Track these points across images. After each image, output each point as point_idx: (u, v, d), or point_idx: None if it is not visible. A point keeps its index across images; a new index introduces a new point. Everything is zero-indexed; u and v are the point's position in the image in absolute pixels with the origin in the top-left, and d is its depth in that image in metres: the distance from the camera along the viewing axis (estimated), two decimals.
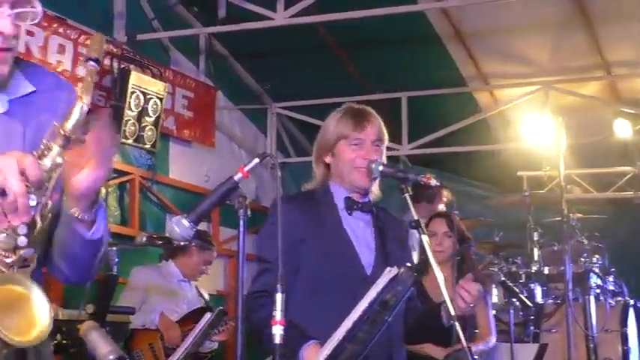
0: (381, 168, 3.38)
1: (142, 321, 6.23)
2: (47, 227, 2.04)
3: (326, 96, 8.04)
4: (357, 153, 3.43)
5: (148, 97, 7.57)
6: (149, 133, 7.66)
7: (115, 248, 5.00)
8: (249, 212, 2.63)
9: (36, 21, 2.01)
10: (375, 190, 3.53)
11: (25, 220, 1.82)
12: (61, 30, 7.01)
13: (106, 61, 7.38)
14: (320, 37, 8.69)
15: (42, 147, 1.87)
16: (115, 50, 7.56)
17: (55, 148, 1.86)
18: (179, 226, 2.66)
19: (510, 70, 9.22)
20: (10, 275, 1.82)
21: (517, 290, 6.35)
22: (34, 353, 2.00)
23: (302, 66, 8.99)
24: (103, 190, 2.09)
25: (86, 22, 7.38)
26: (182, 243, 6.33)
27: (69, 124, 1.87)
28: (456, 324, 3.13)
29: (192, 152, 8.83)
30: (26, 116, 2.06)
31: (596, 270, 6.90)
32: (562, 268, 6.18)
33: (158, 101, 7.68)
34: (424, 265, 5.09)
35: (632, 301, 6.93)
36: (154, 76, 7.76)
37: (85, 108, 1.89)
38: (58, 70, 6.80)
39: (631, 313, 6.81)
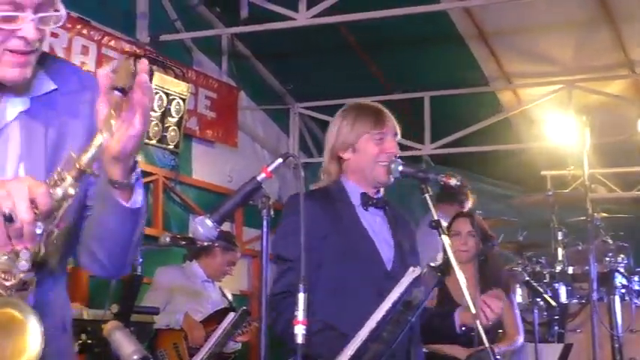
0: (400, 168, 3.38)
1: (166, 321, 6.26)
2: (71, 227, 2.03)
3: (348, 96, 7.96)
4: (380, 147, 3.44)
5: (171, 97, 7.60)
6: (172, 133, 7.69)
7: (139, 248, 5.02)
8: (272, 212, 2.63)
9: (60, 24, 1.99)
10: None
11: (30, 247, 1.79)
12: (84, 31, 7.05)
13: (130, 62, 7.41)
14: (342, 37, 8.68)
15: (55, 176, 1.83)
16: (137, 51, 7.58)
17: (69, 179, 1.81)
18: (203, 227, 2.67)
19: (533, 69, 9.17)
20: (8, 299, 1.79)
21: (541, 290, 6.33)
22: None
23: (324, 66, 8.99)
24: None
25: (109, 23, 7.42)
26: (206, 243, 6.35)
27: (85, 158, 1.81)
28: (479, 324, 3.12)
29: (215, 153, 8.85)
30: (48, 116, 2.05)
31: (621, 270, 6.85)
32: (587, 267, 6.15)
33: (181, 102, 7.70)
34: (447, 266, 5.08)
35: None
36: (176, 76, 7.79)
37: (105, 143, 1.83)
38: None
39: None
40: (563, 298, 6.77)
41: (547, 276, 6.84)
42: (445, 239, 3.25)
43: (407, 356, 3.32)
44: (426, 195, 3.30)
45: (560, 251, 6.98)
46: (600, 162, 9.05)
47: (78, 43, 6.98)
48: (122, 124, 1.89)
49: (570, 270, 6.88)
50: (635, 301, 6.81)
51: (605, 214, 7.45)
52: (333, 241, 3.34)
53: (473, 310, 3.14)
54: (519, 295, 6.37)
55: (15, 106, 2.02)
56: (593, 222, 6.29)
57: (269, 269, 2.58)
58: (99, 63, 7.08)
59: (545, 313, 6.63)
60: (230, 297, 7.02)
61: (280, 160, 2.72)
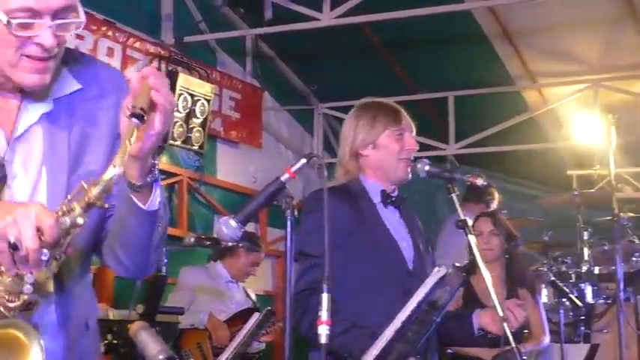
0: (427, 168, 3.37)
1: (191, 321, 6.28)
2: (93, 228, 2.03)
3: (372, 96, 7.98)
4: (400, 144, 3.44)
5: (196, 98, 7.63)
6: (197, 134, 7.72)
7: (163, 249, 5.03)
8: (296, 213, 2.63)
9: (79, 30, 1.97)
10: None
11: (35, 272, 1.78)
12: (109, 33, 7.10)
13: (154, 64, 7.46)
14: (366, 37, 8.67)
15: (64, 206, 1.80)
16: (162, 52, 7.62)
17: (78, 210, 1.78)
18: (227, 227, 2.67)
19: (558, 68, 9.12)
20: (12, 321, 1.79)
21: (567, 290, 6.29)
22: None
23: (348, 66, 8.98)
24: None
25: (135, 25, 7.47)
26: (230, 244, 6.37)
27: (95, 190, 1.78)
28: (505, 325, 3.11)
29: (239, 153, 8.87)
30: (72, 117, 2.03)
31: None
32: (613, 267, 6.11)
33: (205, 103, 7.73)
34: (473, 265, 5.06)
35: None
36: (201, 77, 7.82)
37: (116, 178, 1.78)
38: None
39: None
40: (589, 299, 6.72)
41: (573, 276, 6.80)
42: (471, 238, 3.24)
43: (424, 357, 3.31)
44: (453, 195, 3.29)
45: (586, 251, 6.93)
46: (626, 161, 8.98)
47: (103, 44, 7.03)
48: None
49: (596, 270, 6.84)
50: None
51: (631, 214, 7.39)
52: (357, 238, 3.32)
53: (500, 311, 3.13)
54: (545, 296, 6.34)
55: (37, 109, 2.01)
56: (620, 222, 6.24)
57: (293, 269, 2.58)
58: (124, 64, 7.13)
59: (571, 314, 6.59)
60: (254, 297, 7.04)
61: (304, 160, 2.72)
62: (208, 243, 5.56)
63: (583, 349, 6.10)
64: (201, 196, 8.35)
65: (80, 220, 1.78)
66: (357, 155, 3.51)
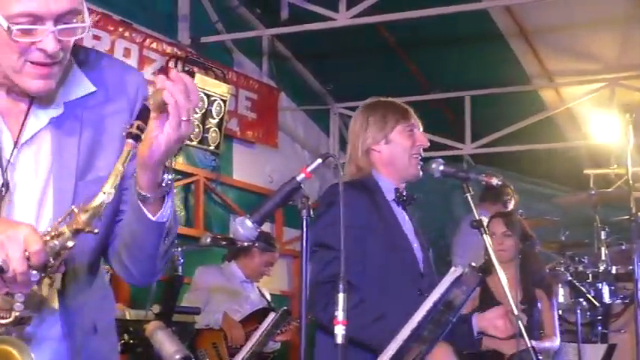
0: (441, 168, 3.37)
1: (206, 321, 6.30)
2: (102, 232, 1.99)
3: (388, 96, 7.91)
4: (411, 140, 3.44)
5: (212, 99, 7.65)
6: (213, 134, 7.74)
7: (180, 249, 5.04)
8: (312, 213, 2.63)
9: (84, 34, 1.90)
10: None
11: (25, 292, 1.78)
12: (126, 34, 7.13)
13: (171, 64, 7.50)
14: (382, 37, 8.67)
15: (54, 229, 1.78)
16: (179, 53, 7.65)
17: (67, 234, 1.76)
18: (243, 227, 2.67)
19: (575, 67, 9.09)
20: (5, 337, 1.79)
21: (584, 290, 6.27)
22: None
23: (364, 66, 8.97)
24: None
25: (151, 25, 7.50)
26: (245, 244, 6.37)
27: (84, 217, 1.76)
28: (521, 325, 3.11)
29: (255, 153, 8.88)
30: (82, 122, 1.98)
31: None
32: (630, 267, 6.08)
33: (222, 103, 7.75)
34: (488, 265, 5.06)
35: None
36: (217, 78, 7.83)
37: (105, 203, 1.77)
38: None
39: None
40: (607, 298, 6.69)
41: (590, 276, 6.77)
42: (487, 239, 3.24)
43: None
44: (467, 195, 3.28)
45: (603, 251, 6.90)
46: None
47: (120, 45, 7.06)
48: (154, 128, 1.83)
49: (614, 270, 6.80)
50: None
51: None
52: (377, 234, 3.31)
53: (515, 310, 3.12)
54: (562, 295, 6.31)
55: (46, 113, 1.96)
56: (637, 221, 6.20)
57: (309, 269, 2.57)
58: (141, 65, 7.16)
59: (589, 313, 6.56)
60: (268, 297, 7.04)
61: (320, 160, 2.71)
62: (224, 243, 5.57)
63: (600, 349, 6.08)
64: (217, 196, 8.36)
65: (70, 244, 1.77)
66: (368, 151, 3.50)
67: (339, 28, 7.65)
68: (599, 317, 6.64)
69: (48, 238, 1.76)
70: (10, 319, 1.80)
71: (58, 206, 1.93)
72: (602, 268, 6.78)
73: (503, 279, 3.12)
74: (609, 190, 8.00)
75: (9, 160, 1.92)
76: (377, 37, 8.59)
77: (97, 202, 1.76)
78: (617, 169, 8.15)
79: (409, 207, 3.53)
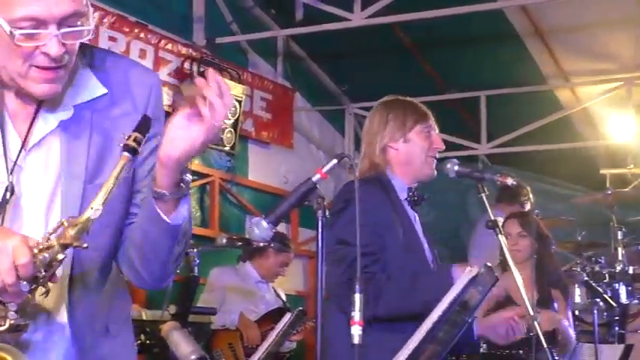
0: (456, 168, 3.36)
1: (222, 321, 6.31)
2: (110, 236, 1.99)
3: (403, 96, 7.99)
4: (429, 141, 3.43)
5: None
6: (228, 135, 7.76)
7: (195, 250, 5.05)
8: (327, 213, 2.62)
9: (89, 38, 1.87)
10: None
11: (17, 302, 1.78)
12: (142, 35, 7.16)
13: (186, 65, 7.52)
14: (397, 37, 8.66)
15: (44, 242, 1.76)
16: (194, 54, 7.66)
17: (56, 247, 1.76)
18: (258, 228, 2.66)
19: (591, 67, 9.05)
20: (1, 345, 1.79)
21: (601, 290, 6.24)
22: None
23: (379, 66, 8.97)
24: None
25: (167, 26, 7.52)
26: (261, 244, 6.38)
27: (72, 232, 1.75)
28: (537, 325, 3.10)
29: (270, 154, 8.89)
30: (92, 125, 1.96)
31: None
32: None
33: (237, 104, 7.77)
34: (504, 266, 5.04)
35: None
36: (232, 78, 7.85)
37: (92, 219, 1.75)
38: None
39: None
40: (624, 299, 6.66)
41: (607, 276, 6.73)
42: (502, 239, 3.23)
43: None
44: (482, 195, 3.27)
45: (619, 251, 6.86)
46: None
47: (136, 46, 7.09)
48: (180, 126, 1.82)
49: (630, 270, 6.77)
50: None
51: None
52: (394, 232, 3.30)
53: (530, 311, 3.11)
54: (578, 296, 6.29)
55: (55, 116, 1.94)
56: None
57: (324, 270, 2.57)
58: (156, 66, 7.18)
59: (605, 314, 6.53)
60: (284, 297, 7.05)
61: (335, 160, 2.70)
62: (240, 243, 5.59)
63: (617, 349, 6.04)
64: (232, 196, 8.38)
65: (60, 256, 1.76)
66: (385, 148, 3.48)
67: (353, 29, 7.65)
68: (616, 318, 6.61)
69: (37, 250, 1.75)
70: (5, 327, 1.80)
71: (67, 210, 1.91)
72: (618, 268, 6.75)
73: (519, 279, 3.11)
74: (626, 189, 7.96)
75: (15, 163, 1.90)
76: (392, 37, 8.59)
77: (84, 216, 1.76)
78: (634, 168, 8.12)
79: (423, 206, 3.52)
